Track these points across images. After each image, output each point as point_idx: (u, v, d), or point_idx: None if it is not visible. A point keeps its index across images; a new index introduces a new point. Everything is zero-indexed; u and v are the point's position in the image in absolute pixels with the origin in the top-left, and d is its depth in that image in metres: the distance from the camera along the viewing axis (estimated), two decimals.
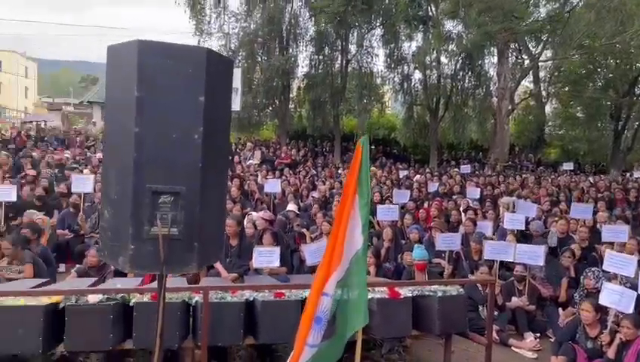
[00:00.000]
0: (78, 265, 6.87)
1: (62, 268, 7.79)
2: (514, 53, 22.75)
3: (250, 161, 17.39)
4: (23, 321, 3.88)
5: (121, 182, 2.17)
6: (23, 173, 10.81)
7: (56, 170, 12.74)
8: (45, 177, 10.52)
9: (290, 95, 23.19)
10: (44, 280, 5.60)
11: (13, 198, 8.11)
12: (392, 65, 21.92)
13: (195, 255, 2.21)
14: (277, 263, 6.35)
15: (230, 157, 14.19)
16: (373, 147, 23.90)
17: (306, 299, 4.65)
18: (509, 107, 21.36)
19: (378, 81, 22.63)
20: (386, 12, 20.40)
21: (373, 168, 17.99)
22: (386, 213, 8.99)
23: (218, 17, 21.85)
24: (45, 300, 4.04)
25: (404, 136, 22.92)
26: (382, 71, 22.50)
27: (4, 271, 5.68)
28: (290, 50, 21.99)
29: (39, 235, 7.07)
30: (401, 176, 15.87)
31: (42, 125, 27.35)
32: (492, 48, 20.79)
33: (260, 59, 22.01)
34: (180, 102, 2.13)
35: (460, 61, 21.36)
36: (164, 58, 2.11)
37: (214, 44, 22.01)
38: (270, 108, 22.86)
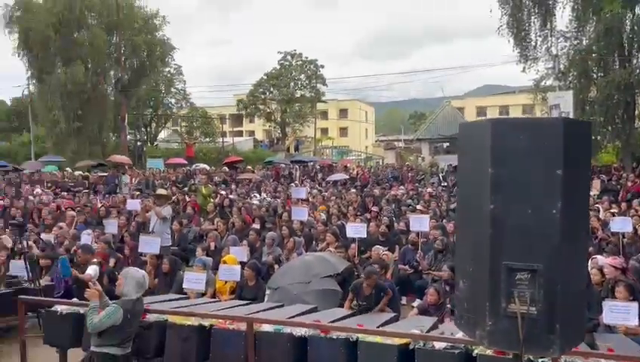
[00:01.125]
0: (417, 300, 7.45)
1: (403, 300, 8.49)
2: None
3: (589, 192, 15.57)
4: (380, 357, 4.37)
5: (476, 256, 2.22)
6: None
7: (393, 205, 14.15)
8: (386, 215, 11.79)
9: (636, 111, 20.03)
10: (393, 314, 6.22)
11: (364, 235, 9.34)
12: None
13: (557, 337, 2.08)
14: (635, 321, 5.47)
15: None
16: None
17: None
18: None
19: None
20: None
21: None
22: None
23: (544, 40, 20.84)
24: (398, 340, 4.46)
25: None
26: None
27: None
28: (634, 60, 19.13)
29: (385, 270, 7.93)
30: None
31: (379, 163, 31.05)
32: None
33: (595, 77, 19.87)
34: (535, 177, 2.08)
35: None
36: (517, 134, 2.09)
37: (540, 67, 21.14)
38: (610, 128, 20.26)
